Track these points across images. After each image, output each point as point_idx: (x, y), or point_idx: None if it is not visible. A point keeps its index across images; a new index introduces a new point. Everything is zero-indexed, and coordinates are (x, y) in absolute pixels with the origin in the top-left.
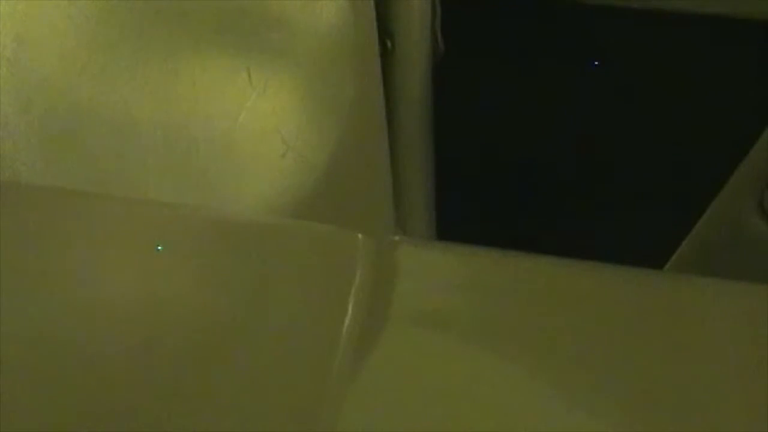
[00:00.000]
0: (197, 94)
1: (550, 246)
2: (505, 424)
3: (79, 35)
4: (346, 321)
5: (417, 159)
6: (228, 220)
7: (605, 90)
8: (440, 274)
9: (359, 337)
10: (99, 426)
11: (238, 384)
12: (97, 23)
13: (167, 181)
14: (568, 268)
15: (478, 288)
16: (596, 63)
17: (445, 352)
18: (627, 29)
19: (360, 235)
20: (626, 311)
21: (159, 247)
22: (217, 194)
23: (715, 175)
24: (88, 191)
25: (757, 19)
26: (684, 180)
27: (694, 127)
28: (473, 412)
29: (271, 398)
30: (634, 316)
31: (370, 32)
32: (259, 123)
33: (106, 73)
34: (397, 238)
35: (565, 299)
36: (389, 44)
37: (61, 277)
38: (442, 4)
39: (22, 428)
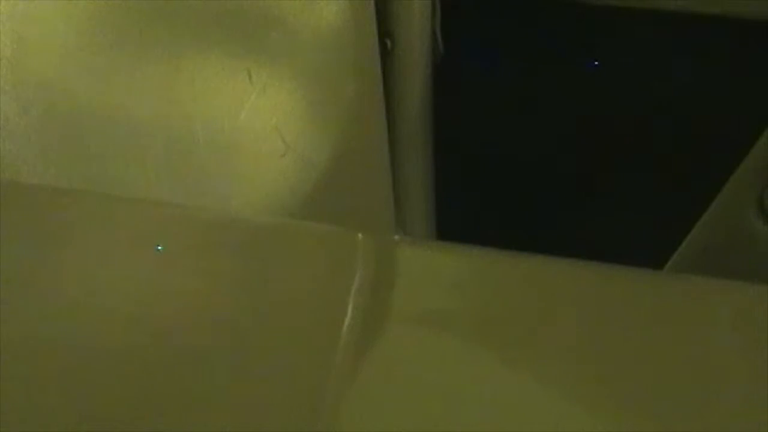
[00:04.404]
0: (197, 94)
1: (550, 246)
2: (505, 424)
3: (79, 35)
4: (346, 321)
5: (417, 159)
6: (228, 220)
7: (605, 90)
8: (440, 274)
9: (359, 337)
10: (99, 426)
11: (238, 384)
12: (97, 23)
13: (167, 181)
14: (568, 268)
15: (478, 288)
16: (596, 63)
17: (445, 352)
18: (627, 29)
19: (360, 235)
20: (626, 311)
21: (159, 247)
22: (217, 194)
23: (715, 175)
24: (88, 191)
25: (757, 19)
26: (684, 180)
27: (693, 126)
28: (473, 412)
29: (271, 398)
30: (634, 316)
31: (370, 32)
32: (259, 123)
33: (106, 73)
34: (397, 238)
35: (565, 299)
36: (389, 44)
37: (61, 277)
38: (442, 4)
39: (23, 428)
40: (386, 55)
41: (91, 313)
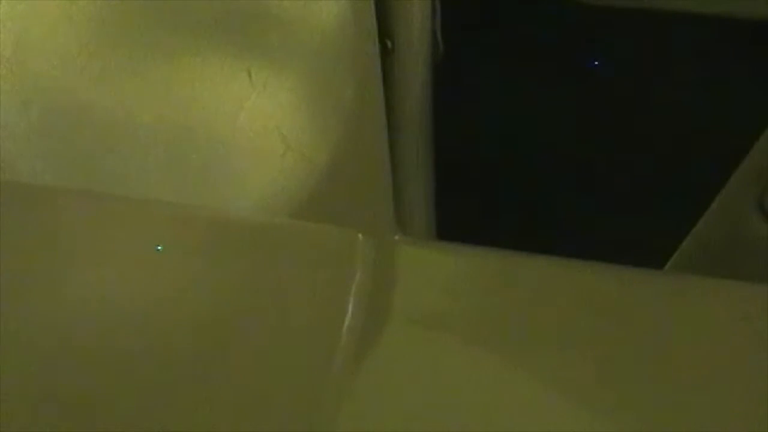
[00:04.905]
0: (197, 94)
1: (551, 246)
2: (505, 423)
3: (79, 35)
4: (346, 321)
5: (417, 159)
6: (228, 220)
7: (605, 90)
8: (440, 274)
9: (359, 337)
10: (99, 425)
11: (238, 383)
12: (97, 23)
13: (167, 180)
14: (568, 268)
15: (478, 288)
16: (596, 63)
17: (445, 352)
18: (627, 29)
19: (360, 235)
20: (626, 311)
21: (159, 247)
22: (217, 194)
23: (715, 175)
24: (88, 191)
25: (757, 19)
26: (684, 180)
27: (694, 126)
28: (473, 412)
29: (271, 398)
30: (634, 316)
31: (370, 32)
32: (259, 122)
33: (106, 73)
34: (397, 238)
35: (565, 299)
36: (389, 44)
37: (61, 276)
38: (442, 4)
39: (23, 428)
40: (386, 55)
41: (90, 313)
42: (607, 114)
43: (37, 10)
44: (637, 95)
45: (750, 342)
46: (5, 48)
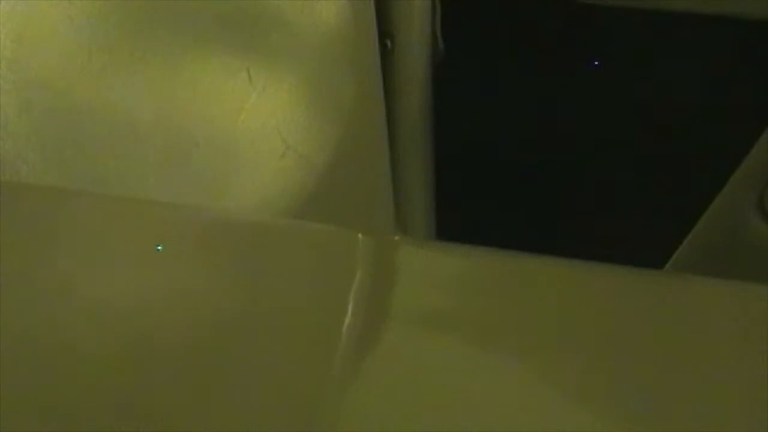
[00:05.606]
0: (197, 94)
1: (550, 246)
2: (505, 424)
3: (79, 35)
4: (346, 321)
5: (417, 159)
6: (228, 220)
7: (605, 90)
8: (440, 274)
9: (359, 337)
10: (98, 425)
11: (238, 384)
12: (97, 23)
13: (167, 181)
14: (568, 268)
15: (478, 288)
16: (596, 63)
17: (445, 352)
18: (627, 29)
19: (360, 235)
20: (626, 311)
21: (159, 247)
22: (217, 194)
23: (715, 175)
24: (88, 191)
25: (757, 19)
26: (684, 180)
27: (694, 126)
28: (473, 412)
29: (271, 398)
30: (634, 316)
31: (370, 32)
32: (259, 123)
33: (106, 73)
34: (397, 238)
35: (565, 299)
36: (389, 44)
37: (60, 276)
38: (442, 4)
39: (23, 428)
40: (386, 55)
41: (90, 313)
42: (607, 113)
43: (37, 10)
44: (637, 95)
45: (750, 342)
46: (5, 48)
